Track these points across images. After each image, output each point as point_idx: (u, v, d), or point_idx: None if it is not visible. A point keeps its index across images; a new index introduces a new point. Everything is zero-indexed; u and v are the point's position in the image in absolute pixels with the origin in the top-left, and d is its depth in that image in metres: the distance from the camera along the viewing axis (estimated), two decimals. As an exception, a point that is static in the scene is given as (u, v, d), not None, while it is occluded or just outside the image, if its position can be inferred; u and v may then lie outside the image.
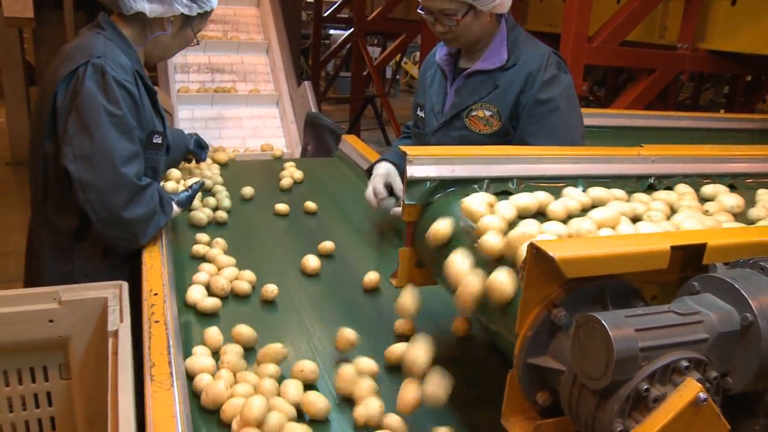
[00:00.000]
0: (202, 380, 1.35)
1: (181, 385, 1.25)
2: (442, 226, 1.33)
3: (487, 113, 2.06)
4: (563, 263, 0.92)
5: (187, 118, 4.24)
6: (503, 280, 1.12)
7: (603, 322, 0.84)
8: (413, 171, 1.39)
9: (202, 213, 2.27)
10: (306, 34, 11.40)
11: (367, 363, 1.42)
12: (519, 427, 1.05)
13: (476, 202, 1.30)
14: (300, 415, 1.31)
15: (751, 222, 1.40)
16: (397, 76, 13.97)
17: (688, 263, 1.08)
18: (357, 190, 2.56)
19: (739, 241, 1.08)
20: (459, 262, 1.23)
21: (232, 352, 1.44)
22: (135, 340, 1.41)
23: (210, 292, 1.75)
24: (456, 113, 2.11)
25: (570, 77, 2.07)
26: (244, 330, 1.53)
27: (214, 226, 2.28)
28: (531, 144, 1.96)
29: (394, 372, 1.47)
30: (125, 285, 1.59)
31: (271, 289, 1.78)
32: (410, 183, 1.40)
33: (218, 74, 4.57)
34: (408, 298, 1.41)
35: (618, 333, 0.83)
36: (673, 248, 1.01)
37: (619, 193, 1.44)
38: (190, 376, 1.38)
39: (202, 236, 2.09)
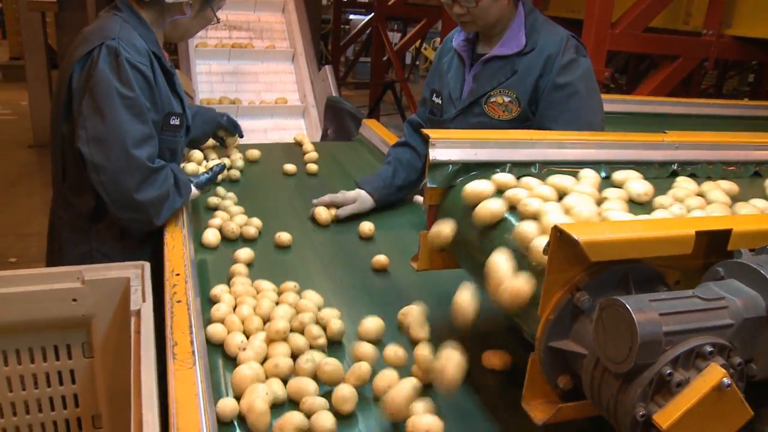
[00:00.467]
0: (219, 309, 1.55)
1: (203, 365, 1.26)
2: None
3: (506, 99, 2.04)
4: (587, 246, 0.91)
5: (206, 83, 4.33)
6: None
7: (627, 305, 0.84)
8: (436, 154, 1.39)
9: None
10: (326, 18, 11.38)
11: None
12: (540, 410, 1.05)
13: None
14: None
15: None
16: (417, 62, 13.91)
17: (713, 249, 1.07)
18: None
19: (764, 228, 1.07)
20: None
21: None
22: (155, 321, 1.42)
23: (222, 236, 2.02)
24: (474, 100, 2.09)
25: (589, 61, 2.04)
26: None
27: (228, 183, 2.53)
28: (551, 129, 1.94)
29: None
30: (147, 265, 1.60)
31: (284, 237, 2.02)
32: (433, 166, 1.40)
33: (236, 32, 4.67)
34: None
35: (642, 317, 0.83)
36: (698, 233, 1.00)
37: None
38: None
39: (218, 189, 2.34)
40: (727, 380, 0.82)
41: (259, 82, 4.51)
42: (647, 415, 0.86)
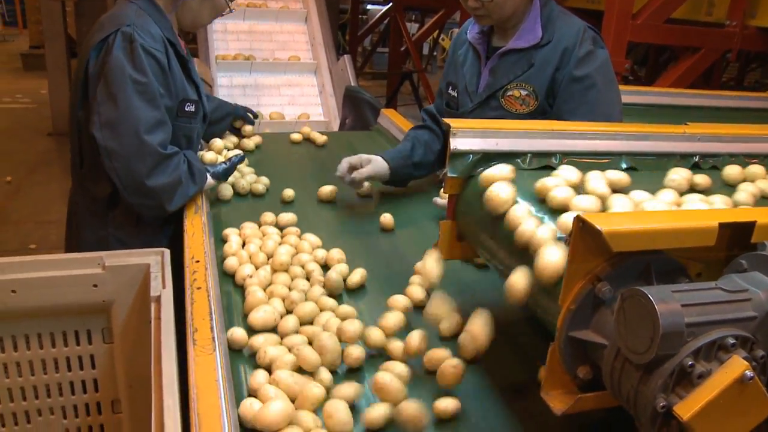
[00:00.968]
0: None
1: (223, 351, 1.27)
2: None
3: (523, 93, 2.02)
4: (610, 236, 0.91)
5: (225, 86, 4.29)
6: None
7: (649, 296, 0.83)
8: (456, 144, 1.38)
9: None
10: (344, 9, 11.36)
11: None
12: (559, 400, 1.05)
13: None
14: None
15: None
16: (435, 53, 13.85)
17: (736, 241, 1.06)
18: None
19: (789, 220, 1.06)
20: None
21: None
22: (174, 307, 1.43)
23: (234, 191, 2.28)
24: (491, 93, 2.07)
25: (606, 52, 2.01)
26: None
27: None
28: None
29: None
30: (167, 252, 1.61)
31: (288, 192, 2.28)
32: (453, 156, 1.39)
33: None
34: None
35: (664, 308, 0.83)
36: (722, 225, 0.99)
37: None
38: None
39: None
40: (749, 373, 0.82)
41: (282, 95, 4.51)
42: (668, 407, 0.86)
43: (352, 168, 2.20)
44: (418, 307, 1.56)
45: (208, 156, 2.33)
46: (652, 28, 3.69)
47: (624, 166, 1.48)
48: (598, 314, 1.02)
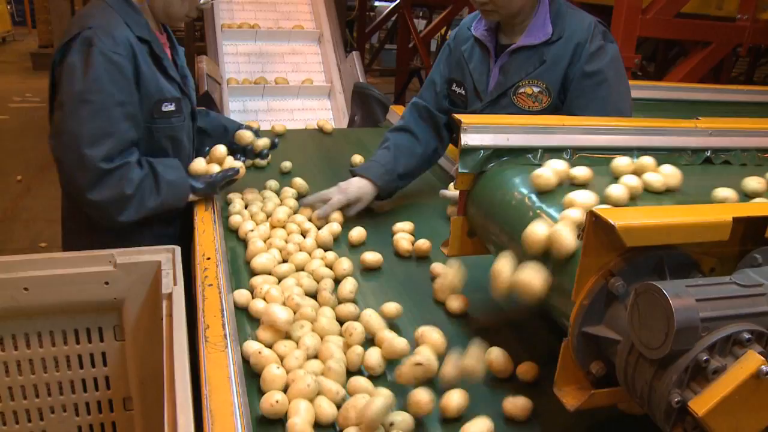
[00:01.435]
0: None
1: (234, 348, 1.27)
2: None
3: (536, 89, 2.00)
4: (623, 231, 0.91)
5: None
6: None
7: (664, 291, 0.83)
8: (467, 139, 1.38)
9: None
10: (351, 5, 11.34)
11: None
12: (572, 396, 1.05)
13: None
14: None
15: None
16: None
17: (749, 236, 1.05)
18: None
19: (803, 215, 1.05)
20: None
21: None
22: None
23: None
24: (502, 92, 2.04)
25: (616, 47, 2.00)
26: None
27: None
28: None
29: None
30: (178, 249, 1.61)
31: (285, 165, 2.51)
32: (464, 151, 1.39)
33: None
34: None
35: (679, 302, 0.82)
36: (735, 220, 0.99)
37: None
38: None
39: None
40: (765, 368, 0.81)
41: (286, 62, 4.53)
42: (683, 402, 0.85)
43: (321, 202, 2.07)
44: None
45: (197, 166, 2.03)
46: (662, 22, 3.66)
47: (635, 160, 1.47)
48: (611, 309, 1.02)
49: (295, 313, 1.44)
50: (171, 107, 1.99)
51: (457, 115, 1.40)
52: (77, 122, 1.78)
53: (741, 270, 0.97)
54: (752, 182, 1.35)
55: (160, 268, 1.56)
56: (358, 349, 1.35)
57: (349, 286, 1.60)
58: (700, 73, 3.97)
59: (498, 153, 1.41)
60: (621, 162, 1.36)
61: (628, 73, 2.84)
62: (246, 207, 2.08)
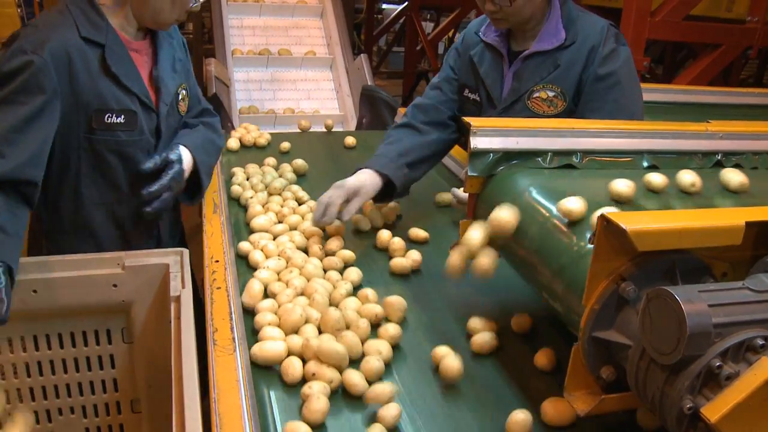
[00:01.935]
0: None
1: (243, 351, 1.27)
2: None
3: (551, 94, 1.98)
4: (635, 236, 0.90)
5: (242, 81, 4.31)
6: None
7: (676, 296, 0.82)
8: (477, 143, 1.38)
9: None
10: (359, 8, 11.34)
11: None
12: (582, 401, 1.04)
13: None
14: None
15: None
16: (450, 52, 13.78)
17: (762, 241, 1.05)
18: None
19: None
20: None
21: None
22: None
23: (242, 144, 2.84)
24: (517, 98, 2.01)
25: (628, 49, 1.98)
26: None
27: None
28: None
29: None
30: (186, 252, 1.61)
31: (284, 145, 2.80)
32: (474, 155, 1.39)
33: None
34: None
35: (691, 308, 0.82)
36: (748, 224, 0.98)
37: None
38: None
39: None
40: (779, 374, 0.80)
41: (298, 90, 4.45)
42: (695, 408, 0.85)
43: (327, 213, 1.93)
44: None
45: None
46: (672, 25, 3.65)
47: (645, 164, 1.47)
48: (622, 314, 1.01)
49: (287, 262, 1.72)
50: (119, 119, 1.80)
51: (466, 119, 1.40)
52: None
53: (754, 275, 0.96)
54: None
55: (168, 270, 1.56)
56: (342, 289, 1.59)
57: (336, 242, 1.85)
58: (710, 76, 3.95)
59: (507, 156, 1.40)
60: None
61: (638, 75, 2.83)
62: (247, 179, 2.34)
